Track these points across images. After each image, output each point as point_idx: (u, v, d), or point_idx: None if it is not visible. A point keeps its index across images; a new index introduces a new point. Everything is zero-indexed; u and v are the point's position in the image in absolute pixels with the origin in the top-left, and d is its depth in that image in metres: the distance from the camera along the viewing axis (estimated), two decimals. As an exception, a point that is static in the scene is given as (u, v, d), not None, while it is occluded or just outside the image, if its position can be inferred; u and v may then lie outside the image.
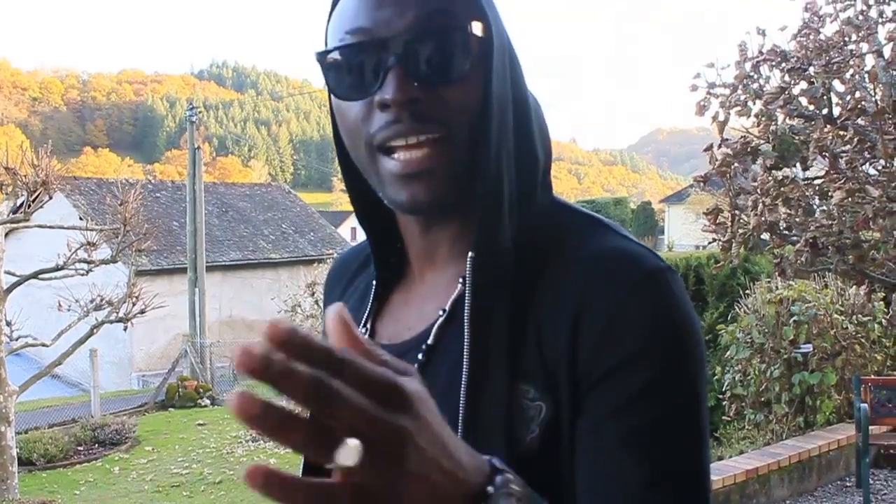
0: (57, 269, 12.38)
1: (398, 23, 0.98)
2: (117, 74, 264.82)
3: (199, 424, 16.44)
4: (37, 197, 11.84)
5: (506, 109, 1.04)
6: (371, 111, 1.00)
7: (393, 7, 0.99)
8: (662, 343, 0.95)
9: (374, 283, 1.19)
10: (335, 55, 1.02)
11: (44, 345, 12.09)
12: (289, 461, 12.40)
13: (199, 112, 25.84)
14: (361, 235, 1.25)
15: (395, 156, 0.99)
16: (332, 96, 1.07)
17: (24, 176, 11.70)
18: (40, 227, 13.66)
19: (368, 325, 1.16)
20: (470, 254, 1.02)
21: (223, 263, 27.38)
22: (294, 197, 35.61)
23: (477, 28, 1.01)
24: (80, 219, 19.69)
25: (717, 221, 5.78)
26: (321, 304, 15.80)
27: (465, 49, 1.00)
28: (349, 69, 1.01)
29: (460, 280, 1.07)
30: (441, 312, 1.07)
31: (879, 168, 5.36)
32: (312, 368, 0.60)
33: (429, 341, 1.06)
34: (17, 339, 11.83)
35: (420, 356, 1.06)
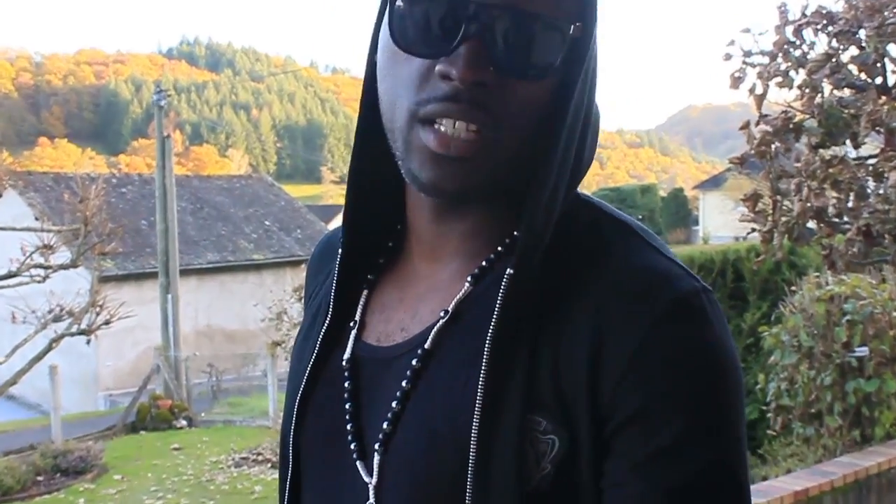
0: (10, 275, 12.44)
1: None
2: (74, 55, 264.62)
3: (175, 449, 16.46)
4: (-15, 195, 11.92)
5: (578, 120, 1.03)
6: (429, 75, 0.98)
7: None
8: (695, 384, 0.96)
9: (369, 275, 1.18)
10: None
11: (-3, 362, 12.15)
12: (274, 488, 12.46)
13: (169, 96, 25.92)
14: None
15: (436, 127, 0.98)
16: (381, 40, 1.06)
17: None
18: (-9, 228, 13.74)
19: (357, 319, 1.15)
20: (509, 270, 1.00)
21: (199, 266, 27.47)
22: (278, 190, 35.72)
23: (576, 30, 1.00)
24: (36, 219, 19.73)
25: (757, 209, 5.78)
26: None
27: (557, 48, 0.99)
28: (422, 20, 0.99)
29: (468, 279, 1.07)
30: (442, 314, 1.07)
31: (941, 145, 5.36)
32: None
33: (426, 346, 1.06)
34: (-34, 356, 11.89)
35: (415, 362, 1.06)
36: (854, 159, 5.62)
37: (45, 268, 12.67)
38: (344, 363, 1.12)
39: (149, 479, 14.24)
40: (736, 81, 5.88)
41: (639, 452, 0.93)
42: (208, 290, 27.51)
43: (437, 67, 0.97)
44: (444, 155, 0.98)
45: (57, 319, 13.08)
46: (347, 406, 1.10)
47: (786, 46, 5.73)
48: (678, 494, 0.93)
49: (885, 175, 5.39)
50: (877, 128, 5.38)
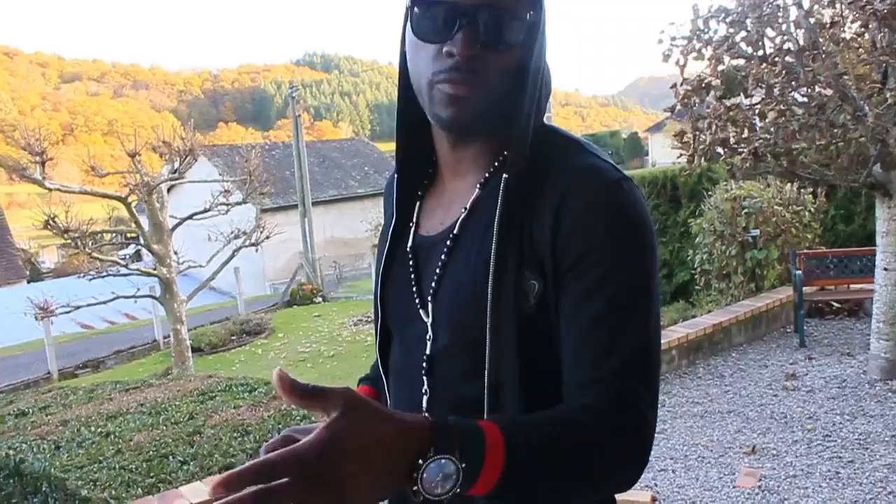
0: (205, 211, 12.60)
1: None
2: (237, 68, 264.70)
3: (316, 316, 16.70)
4: (186, 161, 12.00)
5: (537, 75, 1.04)
6: (439, 55, 0.99)
7: None
8: (618, 236, 0.96)
9: (418, 192, 1.18)
10: (423, 7, 1.01)
11: (201, 266, 12.37)
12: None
13: (299, 90, 25.73)
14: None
15: (448, 82, 0.99)
16: (407, 37, 1.06)
17: (177, 147, 11.87)
18: (191, 182, 13.87)
19: (415, 220, 1.16)
20: (504, 176, 1.01)
21: (324, 199, 27.55)
22: (372, 146, 35.55)
23: (532, 16, 1.01)
24: (219, 174, 19.86)
25: (683, 140, 5.66)
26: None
27: (519, 28, 1.00)
28: (431, 19, 1.00)
29: (478, 185, 1.08)
30: (463, 210, 1.08)
31: (802, 94, 5.20)
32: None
33: (454, 232, 1.07)
34: (182, 264, 12.10)
35: (448, 243, 1.07)
36: (746, 106, 5.48)
37: (226, 205, 12.80)
38: (408, 249, 1.14)
39: (300, 336, 14.52)
40: (666, 57, 5.74)
41: (581, 284, 0.95)
42: (331, 213, 27.63)
43: (444, 49, 0.98)
44: (456, 95, 0.99)
45: (236, 237, 13.26)
46: (412, 275, 1.12)
47: (698, 32, 5.55)
48: (605, 311, 0.94)
49: (766, 115, 5.26)
50: (760, 84, 5.24)
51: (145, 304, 16.33)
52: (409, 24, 1.04)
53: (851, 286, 6.83)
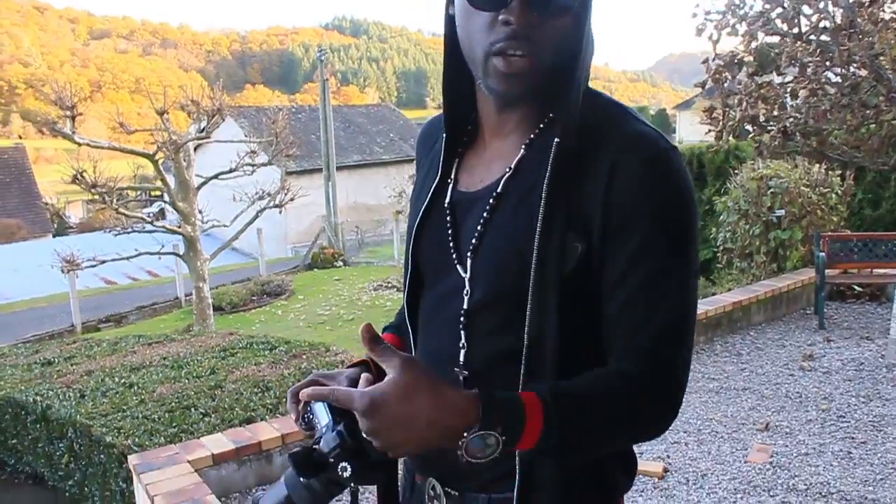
0: (230, 171, 12.65)
1: None
2: (266, 30, 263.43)
3: (336, 279, 16.70)
4: (214, 121, 12.05)
5: (588, 42, 1.06)
6: (494, 23, 1.01)
7: None
8: (664, 206, 0.99)
9: (458, 149, 1.20)
10: None
11: (224, 226, 12.46)
12: (400, 305, 12.68)
13: (327, 54, 25.64)
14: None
15: (505, 57, 1.01)
16: (457, 2, 1.07)
17: (205, 106, 11.91)
18: (218, 142, 13.93)
19: (453, 176, 1.18)
20: (556, 140, 1.03)
21: (348, 164, 27.49)
22: (398, 113, 35.37)
23: None
24: (245, 135, 19.94)
25: (712, 116, 5.65)
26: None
27: None
28: None
29: (524, 146, 1.09)
30: (508, 169, 1.09)
31: (836, 73, 5.14)
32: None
33: (498, 190, 1.09)
34: (206, 223, 12.20)
35: (491, 201, 1.09)
36: (778, 84, 5.42)
37: (252, 166, 12.84)
38: (447, 204, 1.15)
39: (320, 298, 14.56)
40: (699, 31, 5.68)
41: (631, 247, 0.99)
42: (354, 179, 27.62)
43: (500, 17, 1.00)
44: (511, 73, 1.01)
45: (260, 198, 13.30)
46: (450, 230, 1.13)
47: (733, 7, 5.49)
48: (649, 275, 0.99)
49: (798, 93, 5.21)
50: (793, 62, 5.19)
51: (168, 261, 16.53)
52: None
53: (875, 271, 6.79)
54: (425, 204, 1.19)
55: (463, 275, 1.10)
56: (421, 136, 1.34)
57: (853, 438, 4.28)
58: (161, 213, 20.79)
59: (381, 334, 1.36)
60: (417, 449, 0.91)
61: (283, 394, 4.69)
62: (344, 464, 0.94)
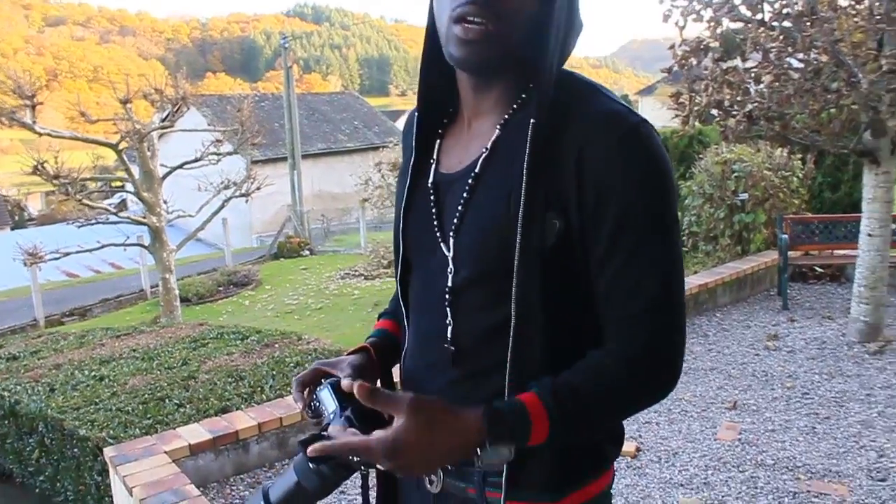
0: (195, 160, 12.53)
1: None
2: (227, 17, 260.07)
3: (303, 269, 16.62)
4: (177, 109, 11.90)
5: (561, 13, 1.06)
6: None
7: None
8: (640, 179, 1.01)
9: (439, 130, 1.21)
10: None
11: (190, 216, 12.35)
12: (366, 292, 12.67)
13: (289, 41, 25.42)
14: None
15: (463, 24, 1.01)
16: None
17: (168, 95, 11.76)
18: (183, 131, 13.76)
19: (435, 158, 1.19)
20: (532, 120, 1.03)
21: (313, 152, 27.35)
22: (362, 101, 35.23)
23: None
24: (209, 124, 19.72)
25: (678, 101, 5.69)
26: (386, 178, 15.51)
27: None
28: None
29: (498, 126, 1.10)
30: (484, 150, 1.10)
31: (798, 59, 5.24)
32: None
33: (476, 171, 1.10)
34: (171, 213, 12.07)
35: (470, 181, 1.10)
36: (742, 69, 5.51)
37: (217, 155, 12.72)
38: (429, 185, 1.17)
39: (287, 288, 14.47)
40: (665, 17, 5.74)
41: (614, 221, 1.00)
42: (319, 167, 27.47)
43: None
44: (467, 39, 1.01)
45: (226, 188, 13.20)
46: (433, 210, 1.15)
47: (698, -7, 5.57)
48: (634, 249, 1.01)
49: (762, 79, 5.31)
50: (757, 48, 5.28)
51: (131, 253, 16.32)
52: None
53: (835, 252, 6.95)
54: (407, 185, 1.20)
55: (447, 254, 1.11)
56: (407, 122, 1.35)
57: (817, 414, 4.41)
58: (123, 205, 20.50)
59: (377, 322, 1.38)
60: (437, 469, 1.04)
61: (256, 383, 4.69)
62: None
